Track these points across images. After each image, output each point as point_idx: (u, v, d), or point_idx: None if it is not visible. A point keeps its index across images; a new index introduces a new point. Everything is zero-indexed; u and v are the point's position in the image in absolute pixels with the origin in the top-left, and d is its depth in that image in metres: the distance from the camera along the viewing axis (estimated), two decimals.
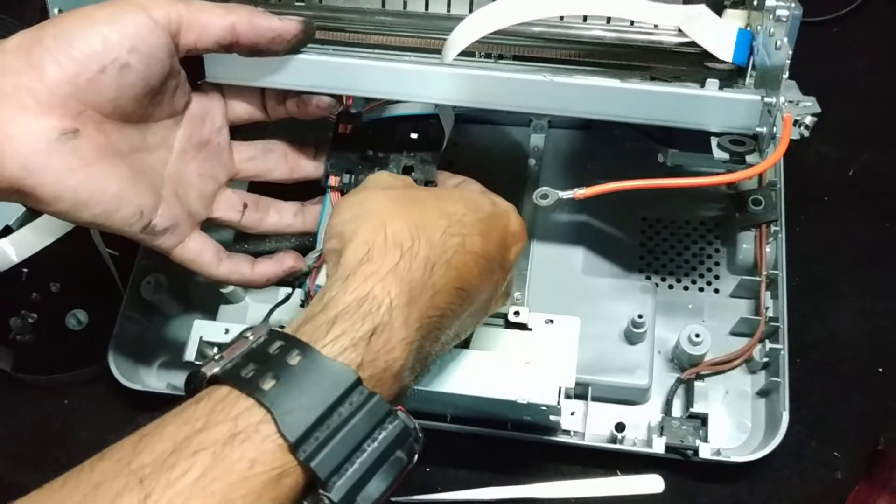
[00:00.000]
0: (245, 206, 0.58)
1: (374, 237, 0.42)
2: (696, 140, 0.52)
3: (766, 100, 0.47)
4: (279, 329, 0.40)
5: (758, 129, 0.48)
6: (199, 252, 0.54)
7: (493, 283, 0.47)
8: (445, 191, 0.49)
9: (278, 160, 0.60)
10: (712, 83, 0.51)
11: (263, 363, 0.37)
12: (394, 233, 0.42)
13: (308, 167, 0.60)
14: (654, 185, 0.47)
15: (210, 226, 0.57)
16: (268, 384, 0.36)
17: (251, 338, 0.39)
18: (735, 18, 0.57)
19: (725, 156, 0.47)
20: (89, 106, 0.47)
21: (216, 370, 0.38)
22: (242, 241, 0.65)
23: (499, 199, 0.49)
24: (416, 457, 0.39)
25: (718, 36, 0.51)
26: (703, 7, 0.52)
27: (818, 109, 0.48)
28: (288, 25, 0.51)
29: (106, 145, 0.48)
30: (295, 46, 0.52)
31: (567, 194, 0.48)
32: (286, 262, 0.58)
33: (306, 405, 0.36)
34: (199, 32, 0.49)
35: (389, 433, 0.37)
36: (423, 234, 0.43)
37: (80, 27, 0.46)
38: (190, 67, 0.53)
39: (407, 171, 0.58)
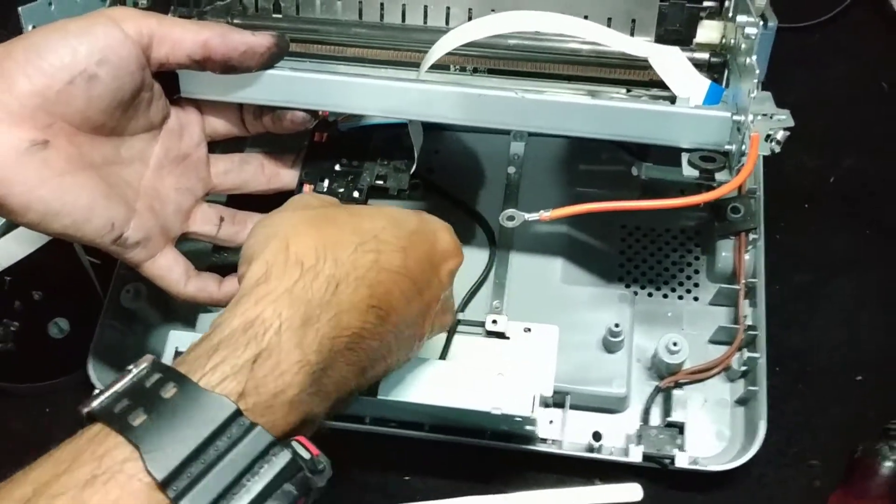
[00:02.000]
0: (221, 219, 0.58)
1: (275, 257, 0.40)
2: (671, 154, 0.52)
3: (735, 117, 0.47)
4: (160, 361, 0.37)
5: (727, 147, 0.47)
6: (169, 268, 0.54)
7: (423, 302, 0.45)
8: (367, 208, 0.47)
9: (255, 172, 0.60)
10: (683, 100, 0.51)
11: (137, 398, 0.35)
12: (296, 252, 0.41)
13: (286, 177, 0.60)
14: (621, 207, 0.46)
15: (186, 239, 0.57)
16: (138, 419, 0.34)
17: (133, 371, 0.37)
18: (711, 30, 0.57)
19: (695, 173, 0.47)
20: (59, 118, 0.47)
21: (93, 406, 0.35)
22: (222, 249, 0.65)
23: (428, 217, 0.48)
24: (319, 488, 0.36)
25: (688, 81, 0.51)
26: (675, 49, 0.52)
27: (791, 123, 0.48)
28: (260, 39, 0.51)
29: (78, 157, 0.48)
30: (269, 61, 0.52)
31: (533, 216, 0.47)
32: None
33: (178, 440, 0.34)
34: (171, 46, 0.49)
35: (273, 466, 0.35)
36: (329, 253, 0.41)
37: (51, 40, 0.47)
38: (166, 82, 0.53)
39: (381, 178, 0.59)
